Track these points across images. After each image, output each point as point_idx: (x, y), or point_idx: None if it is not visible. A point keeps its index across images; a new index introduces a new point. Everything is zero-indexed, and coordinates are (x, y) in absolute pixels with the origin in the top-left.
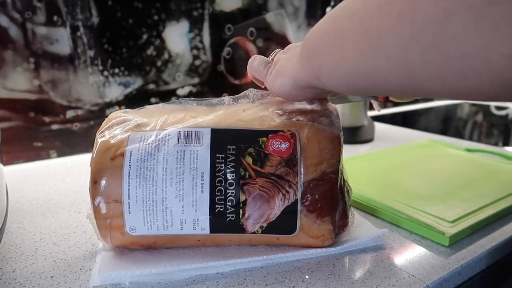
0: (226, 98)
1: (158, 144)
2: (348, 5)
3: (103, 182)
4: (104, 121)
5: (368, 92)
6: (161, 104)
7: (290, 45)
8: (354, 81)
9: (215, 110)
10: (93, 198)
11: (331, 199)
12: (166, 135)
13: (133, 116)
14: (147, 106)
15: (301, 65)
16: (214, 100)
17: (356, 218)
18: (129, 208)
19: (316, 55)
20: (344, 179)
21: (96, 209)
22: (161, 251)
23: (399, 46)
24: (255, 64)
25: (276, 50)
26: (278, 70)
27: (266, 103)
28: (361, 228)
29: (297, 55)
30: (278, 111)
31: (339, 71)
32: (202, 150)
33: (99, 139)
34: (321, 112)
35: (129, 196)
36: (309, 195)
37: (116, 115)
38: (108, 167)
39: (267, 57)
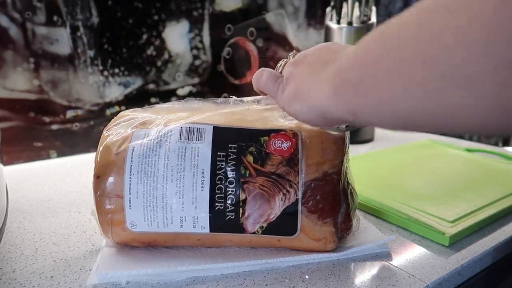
0: (232, 99)
1: (160, 140)
2: (406, 22)
3: (105, 177)
4: (113, 119)
5: (422, 129)
6: (170, 103)
7: (298, 55)
8: (411, 120)
9: (220, 109)
10: (95, 192)
11: (333, 200)
12: (168, 131)
13: (141, 114)
14: (156, 105)
15: (332, 96)
16: (220, 100)
17: (362, 222)
18: (130, 203)
19: (357, 89)
20: (348, 182)
21: (98, 203)
22: (161, 250)
23: (496, 71)
24: (263, 80)
25: (282, 62)
26: (296, 92)
27: (271, 103)
28: (366, 233)
29: (326, 81)
30: (284, 112)
31: (390, 109)
32: (204, 148)
33: (105, 135)
34: None
35: (130, 191)
36: (310, 196)
37: (125, 113)
38: (111, 162)
39: (274, 69)
